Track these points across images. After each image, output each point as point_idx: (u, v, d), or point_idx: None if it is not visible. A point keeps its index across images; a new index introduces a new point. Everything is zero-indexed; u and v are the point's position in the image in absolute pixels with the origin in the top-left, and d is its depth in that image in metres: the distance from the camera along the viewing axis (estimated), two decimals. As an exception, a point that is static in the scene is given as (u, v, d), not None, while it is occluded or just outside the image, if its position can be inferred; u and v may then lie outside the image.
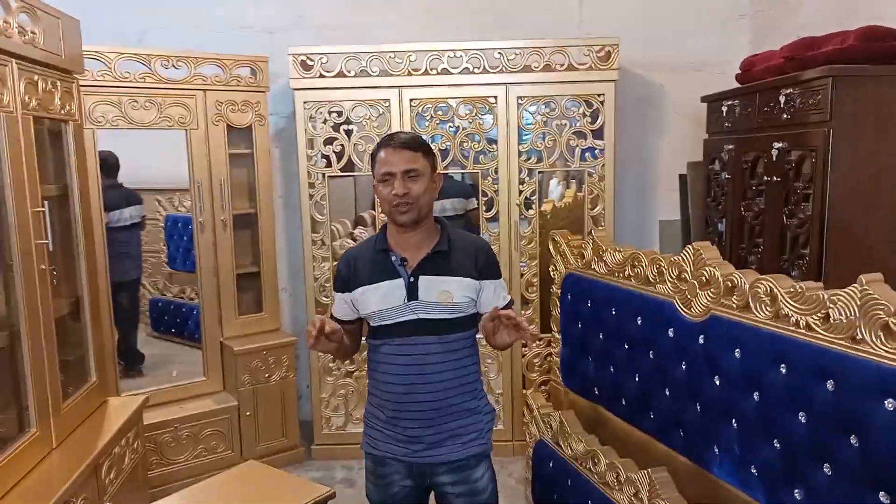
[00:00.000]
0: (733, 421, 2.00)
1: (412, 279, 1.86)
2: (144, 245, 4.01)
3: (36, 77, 2.16)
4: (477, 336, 2.00)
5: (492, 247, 2.11)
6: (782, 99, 2.72)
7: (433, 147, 3.48)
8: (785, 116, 2.71)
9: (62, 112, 2.37)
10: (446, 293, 1.86)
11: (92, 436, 2.34)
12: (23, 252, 2.05)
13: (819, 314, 1.73)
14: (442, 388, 1.89)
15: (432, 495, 2.07)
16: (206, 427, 3.38)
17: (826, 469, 1.69)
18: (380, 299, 1.87)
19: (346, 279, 1.95)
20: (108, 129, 3.15)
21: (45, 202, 2.19)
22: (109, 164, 3.43)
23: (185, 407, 3.39)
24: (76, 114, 2.49)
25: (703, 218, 3.61)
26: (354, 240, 5.03)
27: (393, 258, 1.89)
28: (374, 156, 1.90)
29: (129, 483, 2.51)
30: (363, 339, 2.07)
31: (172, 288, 4.03)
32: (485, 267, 1.94)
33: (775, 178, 2.78)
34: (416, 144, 1.87)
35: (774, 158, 2.77)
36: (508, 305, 1.95)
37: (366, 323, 1.99)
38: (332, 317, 2.00)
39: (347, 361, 3.70)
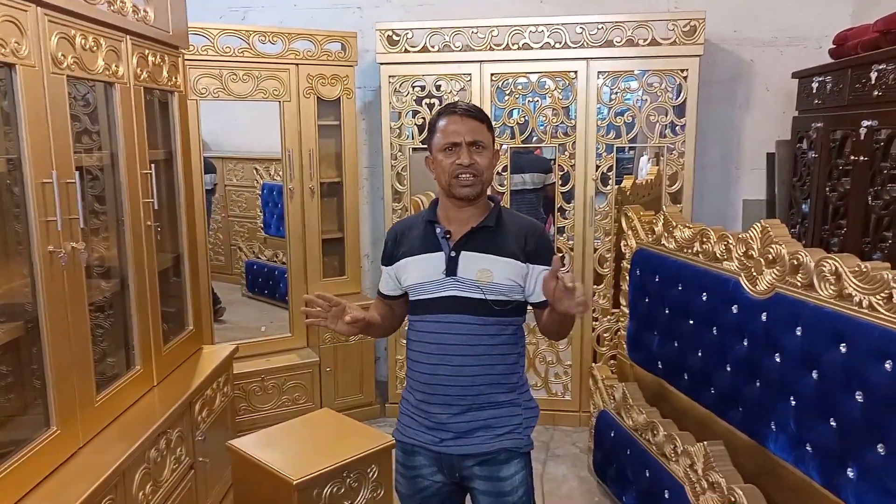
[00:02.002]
0: (791, 399, 2.00)
1: (453, 253, 1.75)
2: (242, 211, 4.32)
3: (146, 51, 2.39)
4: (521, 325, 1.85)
5: (546, 231, 1.94)
6: (874, 75, 2.62)
7: (512, 121, 3.59)
8: (876, 93, 2.61)
9: (169, 84, 2.60)
10: (486, 272, 1.72)
11: (187, 377, 2.59)
12: (131, 209, 2.30)
13: (883, 294, 1.70)
14: (471, 373, 1.74)
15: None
16: (290, 379, 3.64)
17: (880, 449, 1.69)
18: (420, 271, 1.78)
19: (391, 251, 1.87)
20: (210, 100, 3.40)
21: (152, 165, 2.43)
22: None
23: (272, 360, 3.66)
24: (181, 85, 2.72)
25: (788, 198, 3.51)
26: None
27: (438, 230, 1.78)
28: (433, 125, 1.79)
29: (219, 423, 2.76)
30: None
31: (266, 252, 4.31)
32: (534, 250, 1.77)
33: (862, 158, 2.69)
34: (482, 115, 1.78)
35: (863, 137, 2.68)
36: None
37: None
38: (379, 293, 1.95)
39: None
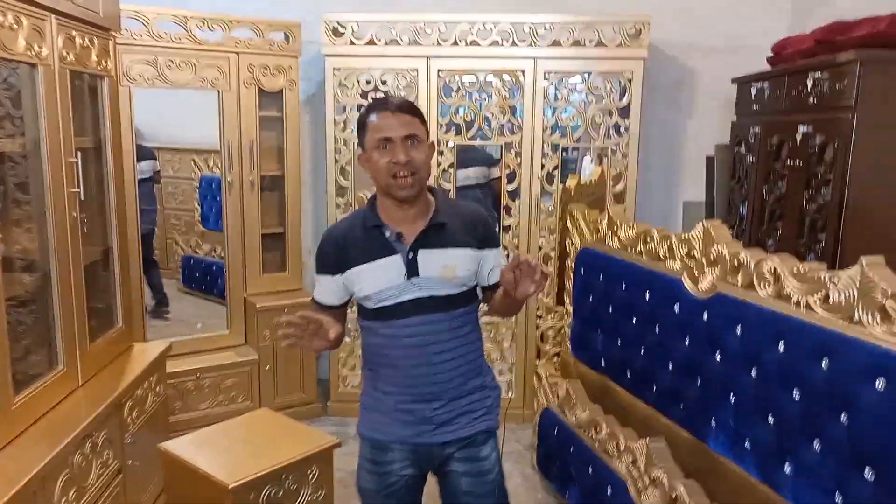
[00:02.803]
0: (731, 396, 2.03)
1: (411, 254, 1.71)
2: (179, 204, 4.16)
3: (73, 32, 2.25)
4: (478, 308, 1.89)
5: (486, 213, 1.92)
6: (810, 82, 2.69)
7: (459, 118, 3.56)
8: (812, 100, 2.69)
9: (98, 68, 2.47)
10: (448, 267, 1.73)
11: (116, 377, 2.47)
12: (55, 199, 2.16)
13: (820, 294, 1.74)
14: (450, 366, 1.77)
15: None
16: (227, 378, 3.52)
17: (816, 445, 1.72)
18: (377, 279, 1.71)
19: (335, 260, 1.76)
20: (146, 87, 3.25)
21: (79, 153, 2.29)
22: None
23: (208, 358, 3.53)
24: (112, 70, 2.58)
25: (727, 200, 3.60)
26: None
27: (387, 234, 1.72)
28: (362, 122, 1.72)
29: (151, 424, 2.64)
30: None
31: (204, 246, 4.17)
32: (484, 236, 1.80)
33: (798, 163, 2.77)
34: (414, 109, 1.72)
35: (798, 142, 2.76)
36: None
37: (358, 306, 1.83)
38: (314, 302, 1.85)
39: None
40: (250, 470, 2.04)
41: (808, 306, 1.77)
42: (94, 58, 2.41)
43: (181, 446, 2.20)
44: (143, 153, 3.74)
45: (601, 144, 3.62)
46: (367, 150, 1.72)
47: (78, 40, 2.28)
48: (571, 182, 4.13)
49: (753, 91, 3.23)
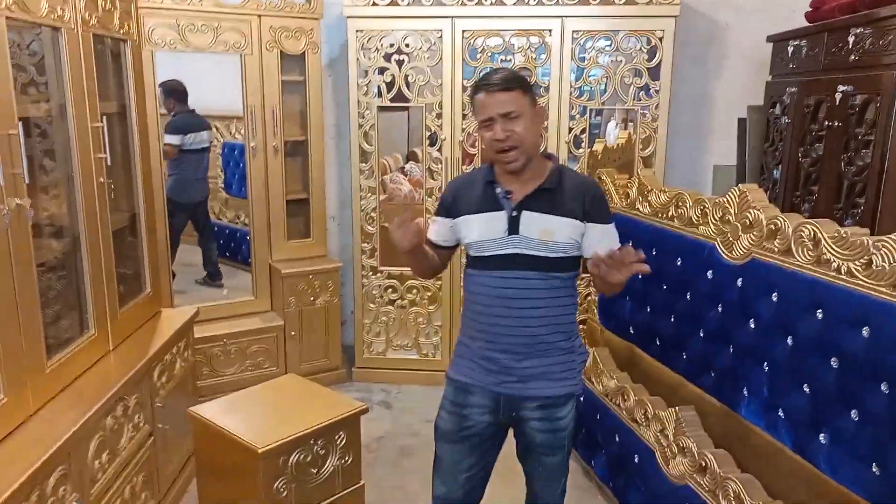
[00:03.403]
0: (765, 364, 2.00)
1: (515, 213, 1.82)
2: (202, 170, 4.17)
3: (96, -6, 2.22)
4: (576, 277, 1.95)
5: (602, 190, 1.99)
6: (851, 39, 2.58)
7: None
8: (853, 58, 2.58)
9: (121, 31, 2.44)
10: (548, 231, 1.81)
11: (145, 342, 2.49)
12: (83, 165, 2.15)
13: (862, 260, 1.69)
14: (536, 324, 1.84)
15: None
16: (253, 343, 3.54)
17: (853, 415, 1.69)
18: (481, 229, 1.86)
19: (449, 206, 1.95)
20: (167, 51, 3.21)
21: (104, 118, 2.27)
22: (179, 91, 3.62)
23: (235, 323, 3.55)
24: (134, 34, 2.55)
25: (759, 164, 3.50)
26: (405, 174, 5.10)
27: (498, 190, 1.85)
28: (472, 99, 1.87)
29: (180, 389, 2.67)
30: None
31: (227, 213, 4.17)
32: (591, 209, 1.85)
33: (837, 124, 2.67)
34: (511, 83, 1.79)
35: (838, 102, 2.65)
36: None
37: (465, 252, 1.97)
38: (428, 240, 1.99)
39: (414, 276, 3.79)
40: (279, 434, 2.04)
41: (849, 273, 1.72)
42: (116, 21, 2.37)
43: (211, 410, 2.21)
44: (201, 123, 3.80)
45: (630, 106, 3.52)
46: (479, 127, 1.86)
47: (100, 2, 2.24)
48: (598, 146, 4.05)
49: (790, 49, 3.11)
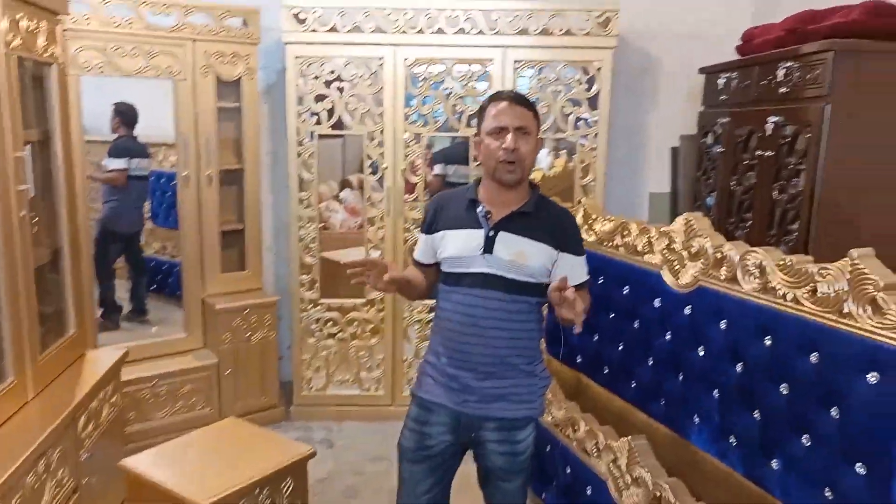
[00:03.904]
0: (715, 391, 2.01)
1: (492, 233, 1.86)
2: (127, 199, 3.98)
3: (19, 14, 2.07)
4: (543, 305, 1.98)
5: (576, 222, 2.07)
6: (781, 72, 2.69)
7: (427, 109, 3.46)
8: (783, 90, 2.69)
9: (45, 55, 2.29)
10: (521, 254, 1.85)
11: (69, 388, 2.31)
12: (2, 197, 1.99)
13: (807, 287, 1.72)
14: (502, 345, 1.88)
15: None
16: (185, 384, 3.36)
17: (805, 440, 1.71)
18: (457, 245, 1.90)
19: (431, 221, 1.99)
20: (94, 75, 3.05)
21: (27, 147, 2.12)
22: (131, 116, 3.54)
23: (165, 363, 3.36)
24: (60, 56, 2.40)
25: (692, 191, 3.60)
26: (340, 202, 5.01)
27: (479, 209, 1.89)
28: (483, 109, 1.90)
29: (107, 437, 2.48)
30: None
31: (153, 244, 3.98)
32: (566, 239, 1.91)
33: (768, 153, 2.77)
34: (530, 104, 1.89)
35: (769, 133, 2.75)
36: (582, 285, 1.94)
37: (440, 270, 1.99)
38: (413, 260, 2.07)
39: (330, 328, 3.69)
40: (222, 486, 1.92)
41: (795, 300, 1.75)
42: (41, 43, 2.23)
43: (145, 462, 2.06)
44: (142, 150, 3.65)
45: (570, 135, 3.57)
46: (482, 135, 1.89)
47: (23, 24, 2.10)
48: (537, 174, 4.09)
49: (721, 81, 3.23)
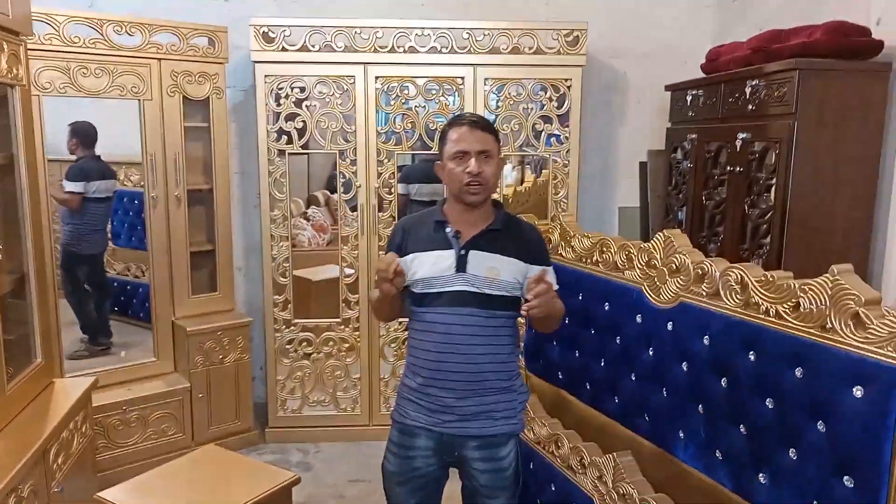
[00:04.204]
0: (700, 406, 2.03)
1: (463, 252, 1.90)
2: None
3: (-20, 36, 2.01)
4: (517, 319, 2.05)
5: (542, 235, 2.16)
6: (748, 90, 2.76)
7: (399, 127, 3.46)
8: (750, 107, 2.76)
9: (9, 76, 2.21)
10: (494, 269, 1.90)
11: (38, 420, 2.22)
12: (-35, 224, 1.91)
13: (789, 303, 1.75)
14: (478, 360, 1.91)
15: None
16: (157, 409, 3.27)
17: (792, 454, 1.73)
18: (429, 267, 1.92)
19: (399, 245, 2.00)
20: (56, 96, 2.97)
21: (-9, 171, 2.04)
22: (89, 136, 3.42)
23: (134, 389, 3.27)
24: (24, 78, 2.33)
25: (663, 206, 3.66)
26: (307, 219, 4.95)
27: (448, 230, 1.93)
28: (444, 134, 1.95)
29: (78, 468, 2.39)
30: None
31: (116, 265, 3.88)
32: (534, 251, 1.99)
33: (738, 169, 2.83)
34: (489, 127, 1.93)
35: (738, 149, 2.82)
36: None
37: (409, 291, 2.00)
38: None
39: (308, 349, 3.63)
40: (205, 517, 1.86)
41: (778, 315, 1.78)
42: (3, 64, 2.15)
43: (122, 495, 1.99)
44: (104, 171, 3.55)
45: (542, 152, 3.60)
46: (444, 159, 1.94)
47: (-15, 45, 2.03)
48: (509, 190, 4.11)
49: (689, 98, 3.29)
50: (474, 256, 1.91)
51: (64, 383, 2.59)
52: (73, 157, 3.47)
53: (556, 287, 2.01)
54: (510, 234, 1.97)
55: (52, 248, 3.03)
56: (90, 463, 2.58)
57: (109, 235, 3.84)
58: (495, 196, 2.10)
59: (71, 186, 3.40)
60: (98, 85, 3.07)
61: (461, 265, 1.90)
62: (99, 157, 3.51)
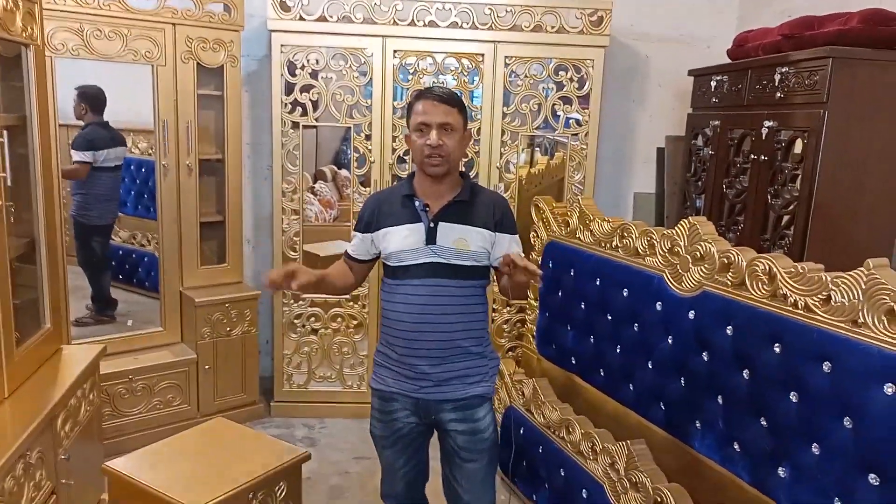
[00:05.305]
0: (719, 397, 2.00)
1: (432, 224, 1.96)
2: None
3: (-4, -8, 1.95)
4: (487, 286, 2.11)
5: (509, 204, 2.19)
6: (777, 77, 2.69)
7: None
8: (778, 95, 2.69)
9: (23, 35, 2.15)
10: (462, 240, 1.96)
11: (46, 386, 2.19)
12: (-23, 185, 1.87)
13: (820, 296, 1.71)
14: (451, 329, 1.97)
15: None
16: (163, 379, 3.24)
17: (815, 449, 1.70)
18: (400, 240, 1.97)
19: (369, 220, 2.05)
20: (69, 57, 2.91)
21: (6, 132, 1.99)
22: (99, 101, 3.32)
23: (141, 358, 3.24)
24: (38, 38, 2.27)
25: (680, 192, 3.60)
26: (315, 194, 4.90)
27: (416, 203, 1.98)
28: (410, 106, 1.99)
29: (85, 435, 2.37)
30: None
31: (121, 233, 3.83)
32: (500, 220, 2.02)
33: (762, 157, 2.77)
34: (453, 101, 1.95)
35: (763, 137, 2.76)
36: None
37: (383, 264, 2.07)
38: (347, 255, 2.14)
39: (320, 312, 3.60)
40: (214, 491, 1.84)
41: (807, 308, 1.74)
42: (18, 22, 2.09)
43: (130, 465, 1.96)
44: (114, 137, 3.46)
45: (561, 133, 3.54)
46: (410, 130, 1.98)
47: (1, 2, 1.96)
48: (523, 172, 4.05)
49: (713, 84, 3.22)
50: (443, 228, 1.96)
51: (72, 350, 2.56)
52: (81, 123, 3.41)
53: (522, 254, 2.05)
54: (477, 204, 2.01)
55: (62, 214, 2.98)
56: (97, 431, 2.56)
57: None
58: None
59: (78, 156, 3.33)
60: (111, 48, 3.00)
61: (431, 237, 1.96)
62: (107, 123, 3.44)
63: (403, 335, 1.98)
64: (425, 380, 1.99)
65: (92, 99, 3.30)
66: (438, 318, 1.96)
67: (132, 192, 3.75)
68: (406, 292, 1.98)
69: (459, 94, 2.01)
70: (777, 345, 1.81)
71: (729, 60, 3.19)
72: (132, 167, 3.69)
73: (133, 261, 3.79)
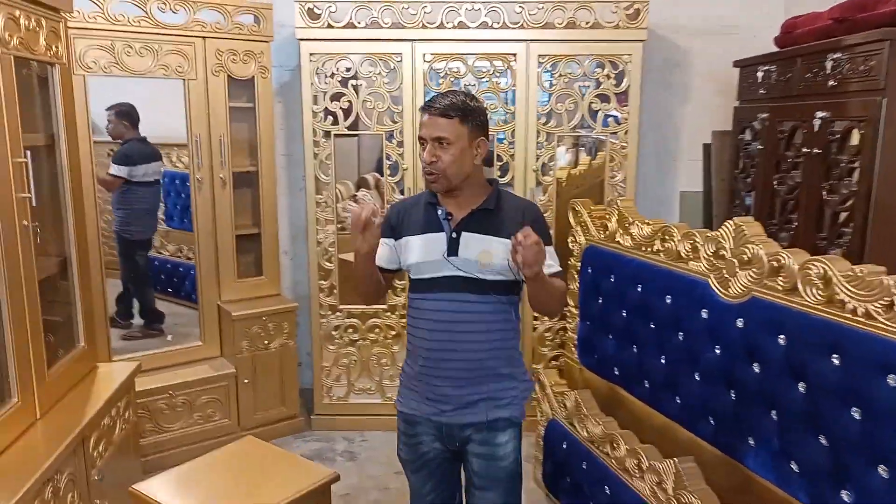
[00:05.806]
0: (773, 412, 1.85)
1: (454, 234, 1.83)
2: (141, 202, 3.87)
3: (17, 12, 1.94)
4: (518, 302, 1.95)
5: (541, 211, 2.00)
6: (829, 64, 2.52)
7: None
8: (831, 83, 2.51)
9: (48, 54, 2.16)
10: (486, 253, 1.81)
11: (79, 406, 2.18)
12: (2, 207, 1.86)
13: (882, 302, 1.56)
14: (477, 349, 1.83)
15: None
16: (203, 394, 3.24)
17: (882, 471, 1.54)
18: (421, 251, 1.86)
19: (394, 226, 1.95)
20: (101, 76, 2.93)
21: (28, 152, 1.99)
22: (132, 117, 3.40)
23: (181, 373, 3.24)
24: (63, 56, 2.27)
25: (728, 190, 3.43)
26: (357, 202, 4.87)
27: (439, 212, 1.86)
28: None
29: (119, 455, 2.36)
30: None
31: (169, 246, 3.87)
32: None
33: (815, 150, 2.60)
34: (450, 111, 1.78)
35: (816, 129, 2.58)
36: (554, 276, 1.85)
37: (407, 277, 1.96)
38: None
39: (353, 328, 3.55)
40: (241, 514, 1.79)
41: (867, 315, 1.59)
42: (42, 42, 2.10)
43: (157, 488, 1.94)
44: (151, 153, 3.54)
45: (599, 133, 3.41)
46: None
47: (23, 21, 1.97)
48: (562, 173, 3.93)
49: (759, 74, 3.05)
50: (466, 239, 1.83)
51: (108, 368, 2.56)
52: (119, 141, 3.46)
53: (558, 269, 1.89)
54: (504, 213, 1.86)
55: (99, 230, 3.01)
56: (133, 449, 2.55)
57: (162, 217, 3.83)
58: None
59: (114, 170, 3.39)
60: (143, 64, 3.01)
61: (453, 249, 1.83)
62: (145, 138, 3.48)
63: (425, 353, 1.86)
64: (446, 402, 1.86)
65: (126, 116, 3.36)
66: (460, 335, 1.82)
67: (178, 206, 3.79)
68: (428, 307, 1.86)
69: (462, 102, 1.79)
70: (835, 355, 1.66)
71: (776, 49, 3.01)
72: (177, 181, 3.73)
73: (179, 273, 3.83)
